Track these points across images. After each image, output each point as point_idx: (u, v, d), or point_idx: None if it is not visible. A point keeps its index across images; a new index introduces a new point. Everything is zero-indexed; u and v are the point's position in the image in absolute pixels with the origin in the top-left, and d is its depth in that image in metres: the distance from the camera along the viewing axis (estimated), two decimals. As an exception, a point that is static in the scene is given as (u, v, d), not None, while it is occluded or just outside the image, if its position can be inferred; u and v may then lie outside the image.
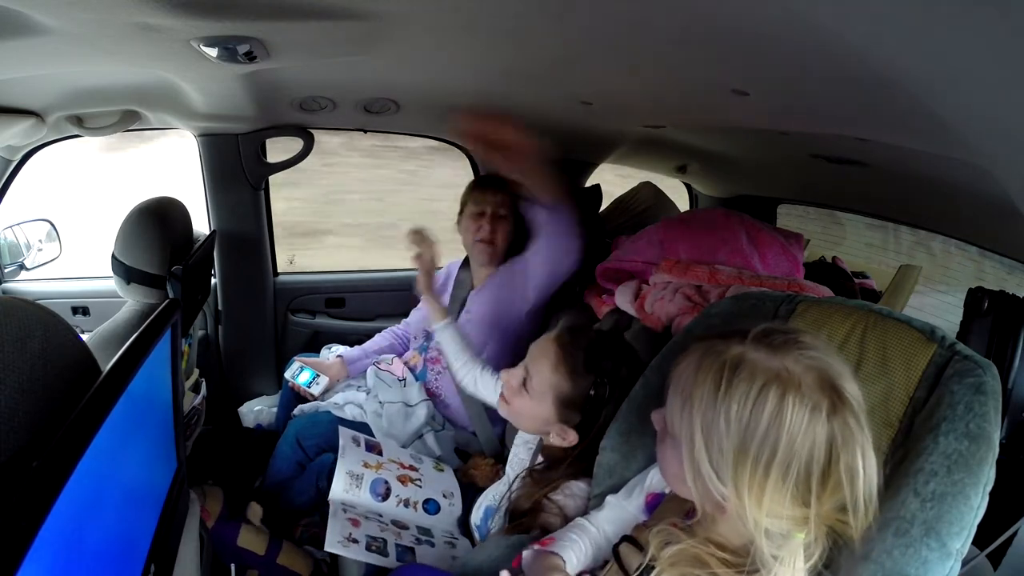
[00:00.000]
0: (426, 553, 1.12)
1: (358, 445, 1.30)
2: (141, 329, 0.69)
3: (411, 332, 1.75)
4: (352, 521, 1.10)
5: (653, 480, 0.82)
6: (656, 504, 0.78)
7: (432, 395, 1.54)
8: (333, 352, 1.76)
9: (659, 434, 0.66)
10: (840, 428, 0.55)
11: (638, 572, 0.66)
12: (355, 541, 1.04)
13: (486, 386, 1.29)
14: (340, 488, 1.18)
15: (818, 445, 0.55)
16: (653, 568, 0.63)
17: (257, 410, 1.86)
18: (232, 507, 1.39)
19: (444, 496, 1.27)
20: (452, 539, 1.20)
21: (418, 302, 1.73)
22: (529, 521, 0.97)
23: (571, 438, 0.99)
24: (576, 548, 0.80)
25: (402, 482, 1.25)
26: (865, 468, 0.56)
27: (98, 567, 0.56)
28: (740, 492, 0.55)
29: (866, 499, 0.57)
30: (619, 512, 0.84)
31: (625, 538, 0.72)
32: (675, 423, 0.61)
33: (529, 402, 1.02)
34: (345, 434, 1.32)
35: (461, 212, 1.62)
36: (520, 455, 1.16)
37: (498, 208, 1.55)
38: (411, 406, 1.49)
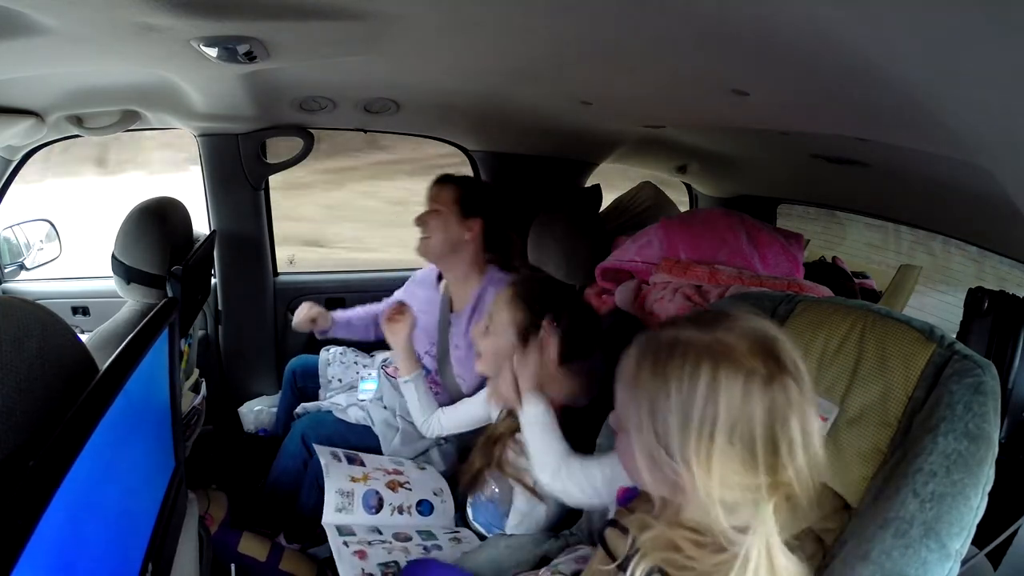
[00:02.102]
0: (437, 558, 1.11)
1: (339, 460, 1.29)
2: (138, 328, 0.69)
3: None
4: (358, 555, 1.09)
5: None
6: (628, 497, 0.77)
7: None
8: (332, 353, 1.76)
9: (617, 435, 0.67)
10: (780, 392, 0.55)
11: (624, 557, 0.66)
12: None
13: (451, 417, 1.31)
14: (332, 508, 1.17)
15: (759, 411, 0.55)
16: (637, 551, 0.63)
17: (257, 410, 1.85)
18: (236, 512, 1.39)
19: (435, 494, 1.28)
20: (455, 534, 1.21)
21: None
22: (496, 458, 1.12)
23: None
24: None
25: (392, 489, 1.25)
26: (805, 432, 0.56)
27: (95, 566, 0.56)
28: (689, 463, 0.56)
29: (810, 463, 0.57)
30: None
31: (610, 522, 0.72)
32: (624, 414, 0.62)
33: (492, 340, 1.15)
34: (324, 452, 1.30)
35: None
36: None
37: (431, 202, 1.52)
38: None
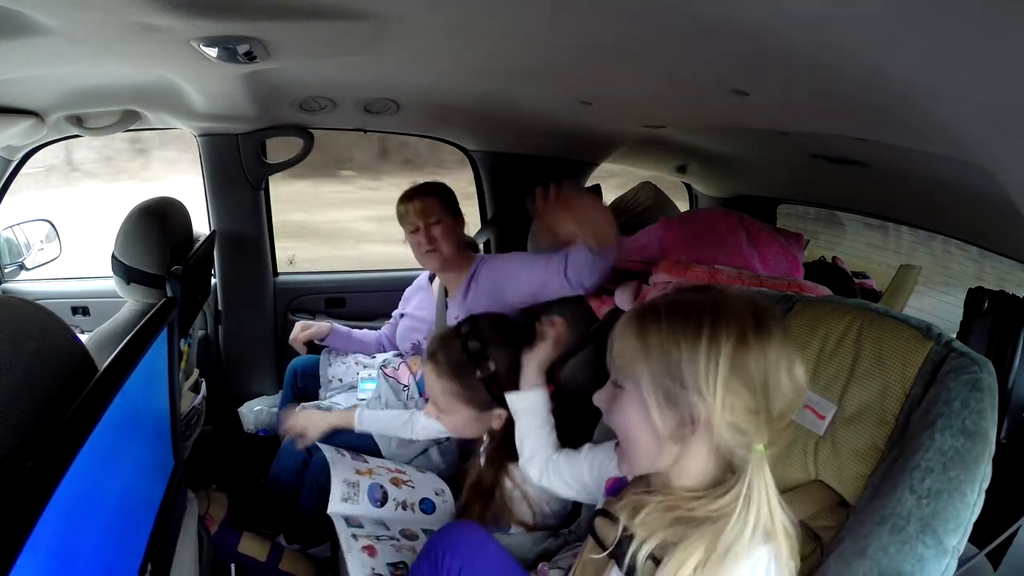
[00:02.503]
0: None
1: (343, 456, 1.29)
2: (137, 328, 0.69)
3: (397, 341, 1.73)
4: (367, 551, 1.06)
5: (614, 462, 0.82)
6: (617, 488, 0.78)
7: None
8: (333, 353, 1.76)
9: (608, 407, 0.70)
10: (769, 333, 0.61)
11: (615, 543, 0.67)
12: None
13: (430, 424, 1.30)
14: (339, 497, 1.16)
15: (754, 350, 0.60)
16: (629, 538, 0.64)
17: (257, 410, 1.85)
18: (236, 512, 1.40)
19: (436, 494, 1.28)
20: None
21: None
22: (494, 505, 1.10)
23: (501, 414, 1.09)
24: None
25: (395, 484, 1.25)
26: (788, 370, 0.62)
27: (93, 567, 0.56)
28: (702, 391, 0.60)
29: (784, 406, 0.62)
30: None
31: (599, 512, 0.72)
32: (630, 368, 0.65)
33: (450, 417, 1.17)
34: (328, 449, 1.30)
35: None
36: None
37: (427, 217, 1.50)
38: None
